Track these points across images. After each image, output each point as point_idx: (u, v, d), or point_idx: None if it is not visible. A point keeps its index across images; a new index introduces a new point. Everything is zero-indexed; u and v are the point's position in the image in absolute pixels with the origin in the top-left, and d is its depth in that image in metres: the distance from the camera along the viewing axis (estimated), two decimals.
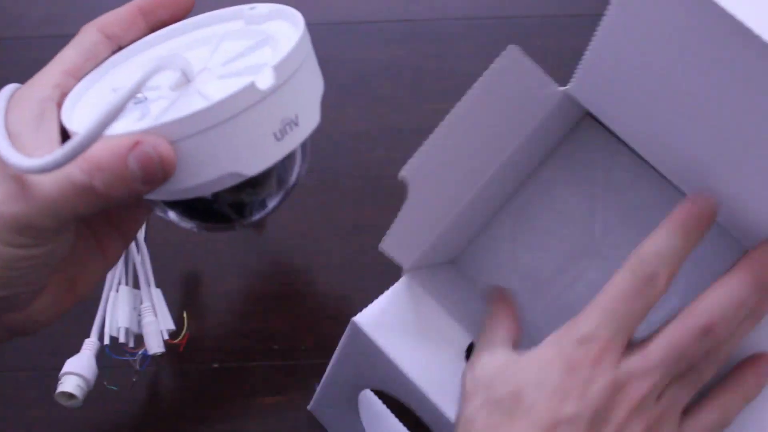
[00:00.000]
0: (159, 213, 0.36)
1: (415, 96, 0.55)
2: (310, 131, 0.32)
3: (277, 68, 0.28)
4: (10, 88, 0.32)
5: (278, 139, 0.29)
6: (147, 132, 0.27)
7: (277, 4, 0.34)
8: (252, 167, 0.29)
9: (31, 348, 0.49)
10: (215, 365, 0.49)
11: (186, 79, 0.30)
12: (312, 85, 0.32)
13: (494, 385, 0.31)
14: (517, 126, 0.37)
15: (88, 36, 0.33)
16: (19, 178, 0.28)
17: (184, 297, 0.50)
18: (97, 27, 0.34)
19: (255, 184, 0.34)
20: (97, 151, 0.27)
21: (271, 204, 0.37)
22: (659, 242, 0.31)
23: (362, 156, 0.53)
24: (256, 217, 0.37)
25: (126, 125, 0.29)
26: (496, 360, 0.33)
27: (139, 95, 0.30)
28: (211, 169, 0.28)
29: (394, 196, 0.53)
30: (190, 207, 0.35)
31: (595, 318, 0.31)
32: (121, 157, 0.27)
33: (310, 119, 0.31)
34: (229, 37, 0.33)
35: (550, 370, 0.30)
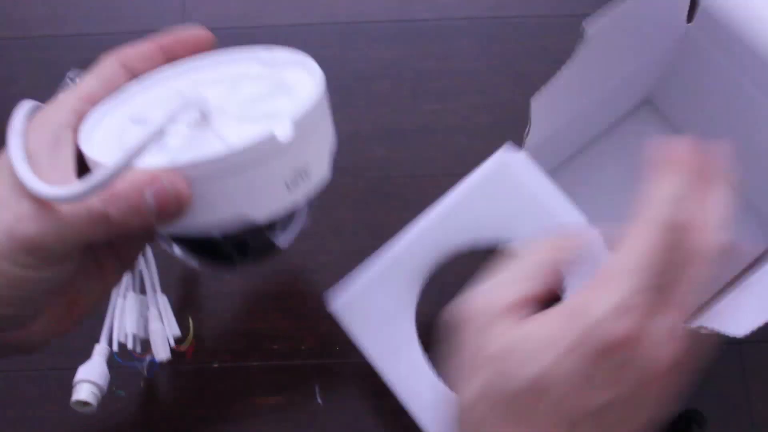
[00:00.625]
0: (164, 245, 0.37)
1: (415, 96, 0.55)
2: (320, 184, 0.32)
3: (297, 122, 0.29)
4: (28, 106, 0.32)
5: (289, 189, 0.30)
6: (166, 169, 0.28)
7: (295, 51, 0.34)
8: (262, 214, 0.30)
9: None
10: (215, 365, 0.49)
11: (205, 119, 0.31)
12: (325, 140, 0.33)
13: (506, 371, 0.28)
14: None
15: (108, 66, 0.34)
16: (35, 200, 0.28)
17: (184, 297, 0.50)
18: (117, 59, 0.34)
19: (261, 228, 0.34)
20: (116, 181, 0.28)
21: (274, 248, 0.38)
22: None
23: (362, 156, 0.53)
24: (258, 259, 0.38)
25: (144, 157, 0.30)
26: (509, 330, 0.29)
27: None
28: (223, 210, 0.29)
29: (394, 196, 0.53)
30: (196, 243, 0.36)
31: (626, 282, 0.27)
32: (138, 190, 0.28)
33: (320, 172, 0.32)
34: (247, 79, 0.34)
35: (576, 357, 0.26)
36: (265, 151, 0.28)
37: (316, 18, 0.57)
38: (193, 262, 0.38)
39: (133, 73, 0.34)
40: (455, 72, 0.56)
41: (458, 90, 0.56)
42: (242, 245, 0.36)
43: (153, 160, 0.28)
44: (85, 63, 0.56)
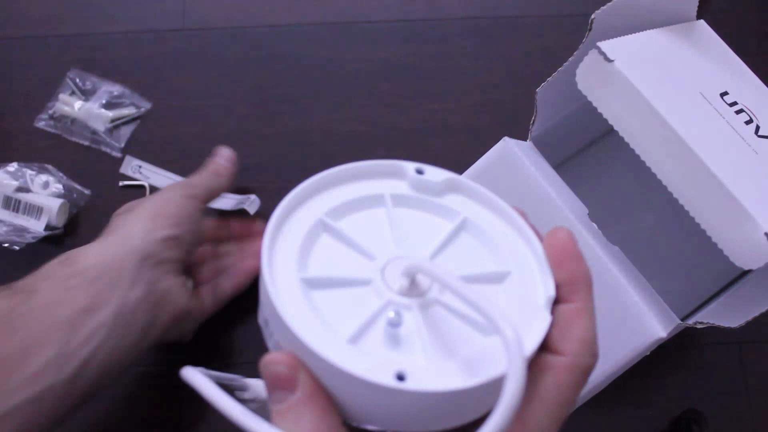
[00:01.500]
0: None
1: (415, 96, 0.55)
2: None
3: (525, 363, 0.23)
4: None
5: None
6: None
7: (447, 171, 0.29)
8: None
9: None
10: (215, 365, 0.49)
11: (417, 290, 0.25)
12: None
13: None
14: None
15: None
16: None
17: None
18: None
19: None
20: None
21: None
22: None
23: (362, 156, 0.53)
24: None
25: (374, 347, 0.24)
26: None
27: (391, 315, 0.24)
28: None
29: None
30: None
31: None
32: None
33: None
34: (403, 205, 0.28)
35: None
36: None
37: (316, 18, 0.57)
38: None
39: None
40: (455, 72, 0.56)
41: (458, 90, 0.56)
42: None
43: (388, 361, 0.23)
44: (85, 63, 0.57)
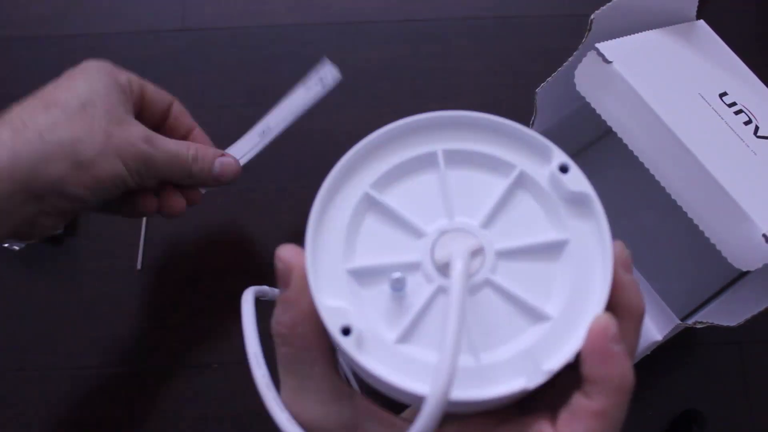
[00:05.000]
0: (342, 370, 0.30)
1: (415, 96, 0.55)
2: None
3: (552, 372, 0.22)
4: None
5: None
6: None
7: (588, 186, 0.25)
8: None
9: (29, 348, 0.49)
10: (215, 365, 0.49)
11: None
12: None
13: None
14: None
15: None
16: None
17: (184, 297, 0.50)
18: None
19: None
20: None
21: None
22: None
23: None
24: None
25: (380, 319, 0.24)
26: None
27: (397, 275, 0.24)
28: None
29: None
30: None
31: None
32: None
33: None
34: (525, 195, 0.25)
35: None
36: (508, 398, 0.23)
37: (316, 18, 0.57)
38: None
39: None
40: (455, 72, 0.56)
41: (458, 90, 0.56)
42: None
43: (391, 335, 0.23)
44: None
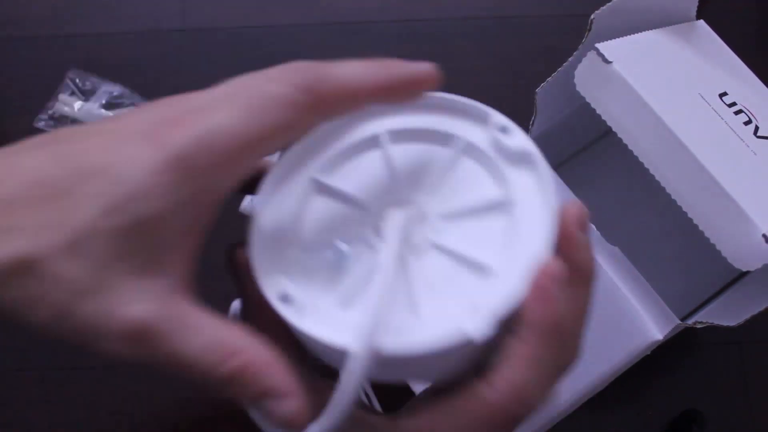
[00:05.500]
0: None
1: None
2: None
3: (500, 319, 0.22)
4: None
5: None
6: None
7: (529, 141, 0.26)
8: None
9: (29, 348, 0.49)
10: None
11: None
12: None
13: None
14: None
15: (285, 105, 0.23)
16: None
17: None
18: (304, 89, 0.24)
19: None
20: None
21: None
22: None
23: None
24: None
25: (314, 290, 0.24)
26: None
27: (339, 245, 0.25)
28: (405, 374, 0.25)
29: None
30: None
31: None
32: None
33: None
34: (468, 161, 0.26)
35: None
36: (456, 348, 0.22)
37: (316, 18, 0.57)
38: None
39: (317, 114, 0.25)
40: (455, 72, 0.56)
41: (458, 90, 0.55)
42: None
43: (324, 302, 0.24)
44: (85, 63, 0.57)
